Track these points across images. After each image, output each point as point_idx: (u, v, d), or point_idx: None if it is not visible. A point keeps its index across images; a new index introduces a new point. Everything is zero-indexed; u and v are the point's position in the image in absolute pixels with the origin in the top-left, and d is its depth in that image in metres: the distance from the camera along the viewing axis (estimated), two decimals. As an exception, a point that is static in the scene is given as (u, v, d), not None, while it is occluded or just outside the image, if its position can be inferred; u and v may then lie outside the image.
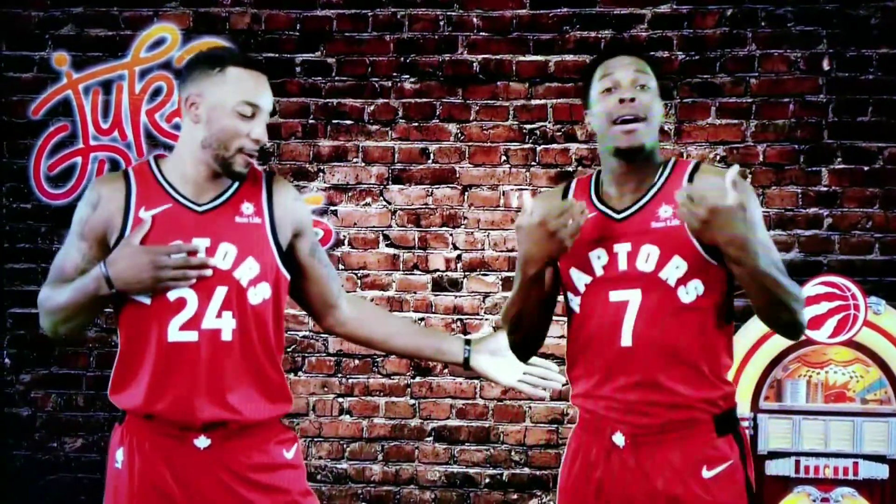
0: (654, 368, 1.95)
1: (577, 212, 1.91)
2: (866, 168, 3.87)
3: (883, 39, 3.85)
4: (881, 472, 3.41)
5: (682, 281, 1.94)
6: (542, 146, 3.98)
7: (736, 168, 1.85)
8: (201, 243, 1.97)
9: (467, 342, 2.23)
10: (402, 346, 2.31)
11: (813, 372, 3.55)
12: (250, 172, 2.09)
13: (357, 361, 4.04)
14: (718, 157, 3.90)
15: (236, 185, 2.06)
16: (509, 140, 4.00)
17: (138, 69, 4.08)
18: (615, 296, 1.98)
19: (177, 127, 4.06)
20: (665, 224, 1.97)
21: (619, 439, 1.98)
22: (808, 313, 3.31)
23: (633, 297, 1.96)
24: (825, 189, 3.88)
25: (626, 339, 1.96)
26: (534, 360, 2.20)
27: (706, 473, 1.95)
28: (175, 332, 1.95)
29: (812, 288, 3.43)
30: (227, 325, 1.97)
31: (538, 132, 3.99)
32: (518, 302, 2.04)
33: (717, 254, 1.91)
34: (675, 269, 1.95)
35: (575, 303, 2.05)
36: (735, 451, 1.99)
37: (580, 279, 2.03)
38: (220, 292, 1.96)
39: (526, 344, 2.15)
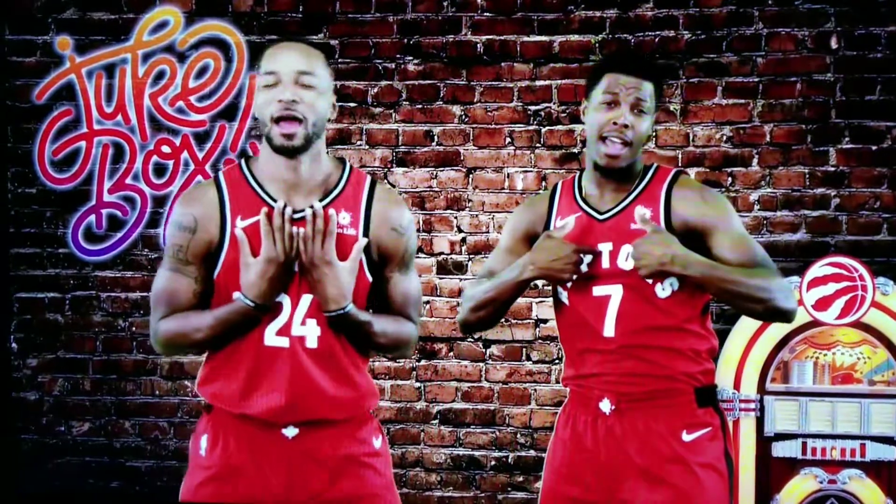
0: (634, 351, 2.12)
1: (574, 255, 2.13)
2: (874, 147, 3.83)
3: (891, 17, 3.80)
4: (889, 453, 3.40)
5: (659, 278, 2.10)
6: (547, 127, 3.96)
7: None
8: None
9: None
10: None
11: (820, 353, 3.53)
12: (356, 176, 2.04)
13: (362, 344, 4.03)
14: (725, 138, 3.87)
15: (337, 189, 2.00)
16: (514, 122, 3.97)
17: (141, 52, 4.06)
18: (598, 290, 2.15)
19: (180, 110, 4.05)
20: (643, 225, 2.11)
21: (605, 406, 2.14)
22: (814, 294, 3.37)
23: (614, 292, 2.13)
24: (833, 169, 3.84)
25: (609, 330, 2.13)
26: None
27: (686, 437, 2.11)
28: (272, 337, 1.96)
29: (819, 269, 3.41)
30: (311, 333, 1.96)
31: (543, 113, 3.96)
32: (497, 293, 2.22)
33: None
34: None
35: (563, 295, 2.22)
36: (715, 420, 2.16)
37: None
38: (306, 300, 1.95)
39: (483, 322, 2.30)
